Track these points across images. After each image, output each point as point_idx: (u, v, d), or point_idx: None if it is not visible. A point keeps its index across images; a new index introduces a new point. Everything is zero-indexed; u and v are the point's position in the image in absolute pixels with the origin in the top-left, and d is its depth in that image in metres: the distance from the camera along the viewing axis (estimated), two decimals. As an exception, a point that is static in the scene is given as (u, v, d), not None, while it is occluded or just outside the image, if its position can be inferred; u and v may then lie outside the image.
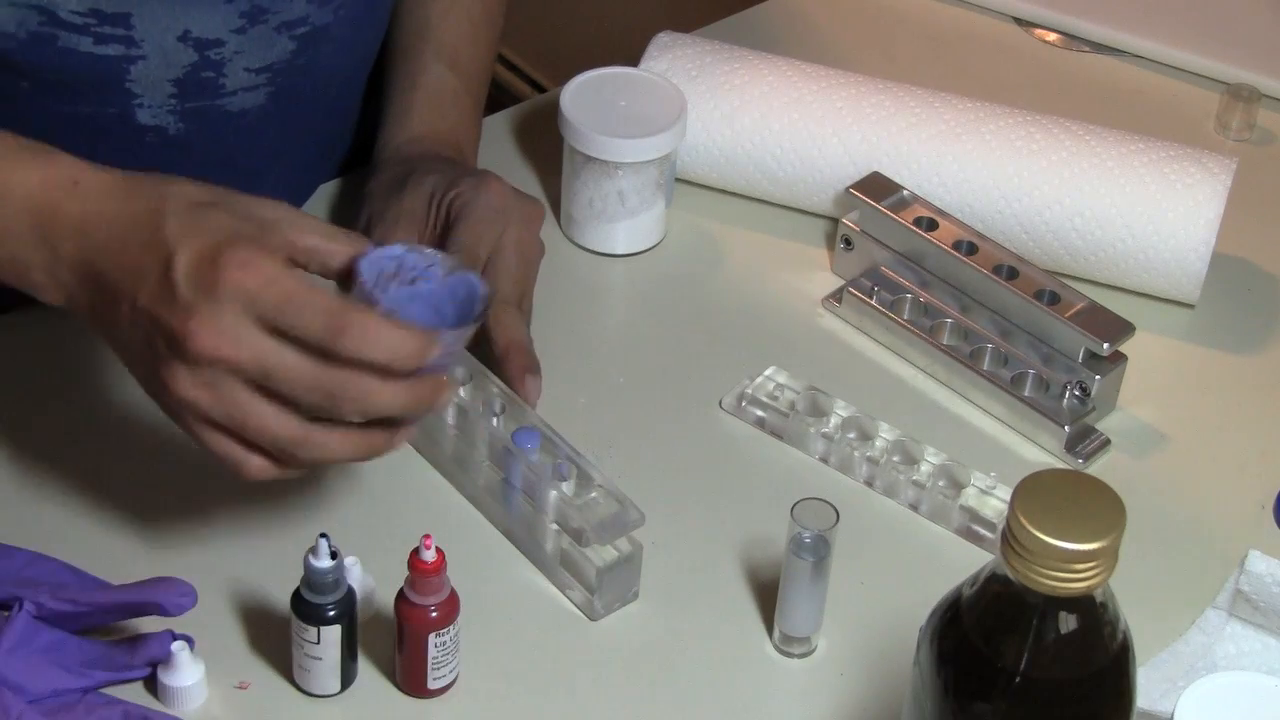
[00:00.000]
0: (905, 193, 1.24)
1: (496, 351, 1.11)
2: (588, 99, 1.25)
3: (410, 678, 1.00)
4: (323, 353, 0.92)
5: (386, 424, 0.96)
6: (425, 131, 1.22)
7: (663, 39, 1.33)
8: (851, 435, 1.14)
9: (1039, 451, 1.17)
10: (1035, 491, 0.79)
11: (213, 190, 0.96)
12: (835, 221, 1.28)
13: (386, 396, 0.93)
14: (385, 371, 0.92)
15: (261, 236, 0.94)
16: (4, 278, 0.98)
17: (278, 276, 0.92)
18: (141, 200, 0.96)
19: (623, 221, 1.26)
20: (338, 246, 0.97)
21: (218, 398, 0.93)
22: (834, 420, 1.15)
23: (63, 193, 0.96)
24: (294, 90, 1.18)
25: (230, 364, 0.92)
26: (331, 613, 0.97)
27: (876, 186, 1.24)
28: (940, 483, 1.12)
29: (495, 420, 1.08)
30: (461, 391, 1.09)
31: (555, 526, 1.05)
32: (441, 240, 1.14)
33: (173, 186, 0.96)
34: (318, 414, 0.94)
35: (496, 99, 1.37)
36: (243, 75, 1.14)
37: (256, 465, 0.96)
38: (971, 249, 1.21)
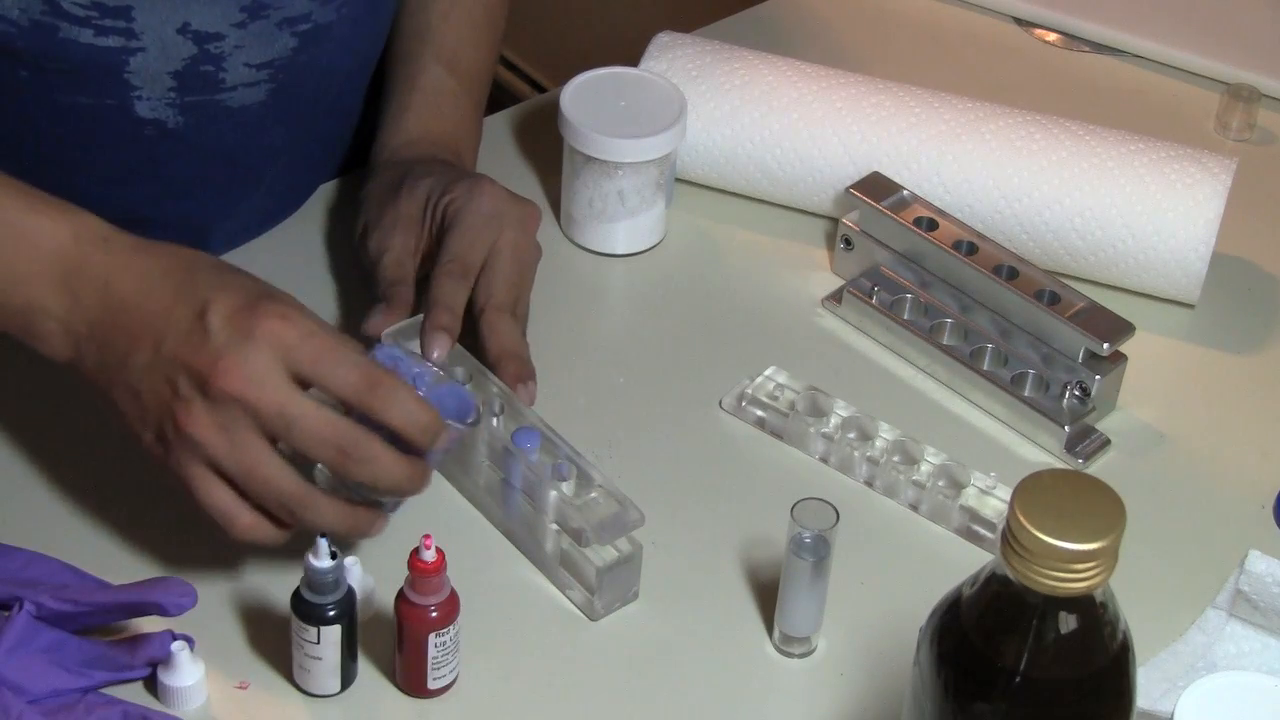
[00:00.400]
0: (905, 193, 1.24)
1: (489, 359, 1.11)
2: (588, 99, 1.25)
3: (410, 678, 1.00)
4: (347, 410, 0.95)
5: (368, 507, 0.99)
6: (421, 133, 1.22)
7: (663, 39, 1.33)
8: (851, 435, 1.14)
9: (1039, 451, 1.17)
10: (1035, 491, 0.79)
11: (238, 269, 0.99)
12: (835, 221, 1.28)
13: (389, 463, 0.96)
14: (398, 439, 0.96)
15: (285, 297, 0.97)
16: (9, 326, 0.99)
17: (315, 330, 0.95)
18: (170, 256, 0.98)
19: (623, 221, 1.26)
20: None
21: (230, 442, 0.94)
22: (834, 420, 1.15)
23: (93, 246, 0.98)
24: (295, 88, 1.18)
25: (253, 406, 0.94)
26: (331, 613, 0.97)
27: (876, 186, 1.24)
28: (940, 483, 1.12)
29: (495, 420, 1.08)
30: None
31: (555, 526, 1.05)
32: (437, 245, 1.14)
33: (199, 251, 0.99)
34: (329, 468, 0.96)
35: (496, 99, 1.37)
36: (243, 71, 1.14)
37: (246, 522, 0.97)
38: (971, 249, 1.21)
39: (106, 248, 0.98)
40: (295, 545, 1.05)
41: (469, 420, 1.00)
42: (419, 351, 1.06)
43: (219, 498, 0.96)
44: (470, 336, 1.12)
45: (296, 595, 0.97)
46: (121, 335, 0.97)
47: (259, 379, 0.94)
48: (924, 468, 1.12)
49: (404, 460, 0.97)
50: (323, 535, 0.96)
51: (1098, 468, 1.16)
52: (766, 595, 1.06)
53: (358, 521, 0.98)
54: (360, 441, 0.95)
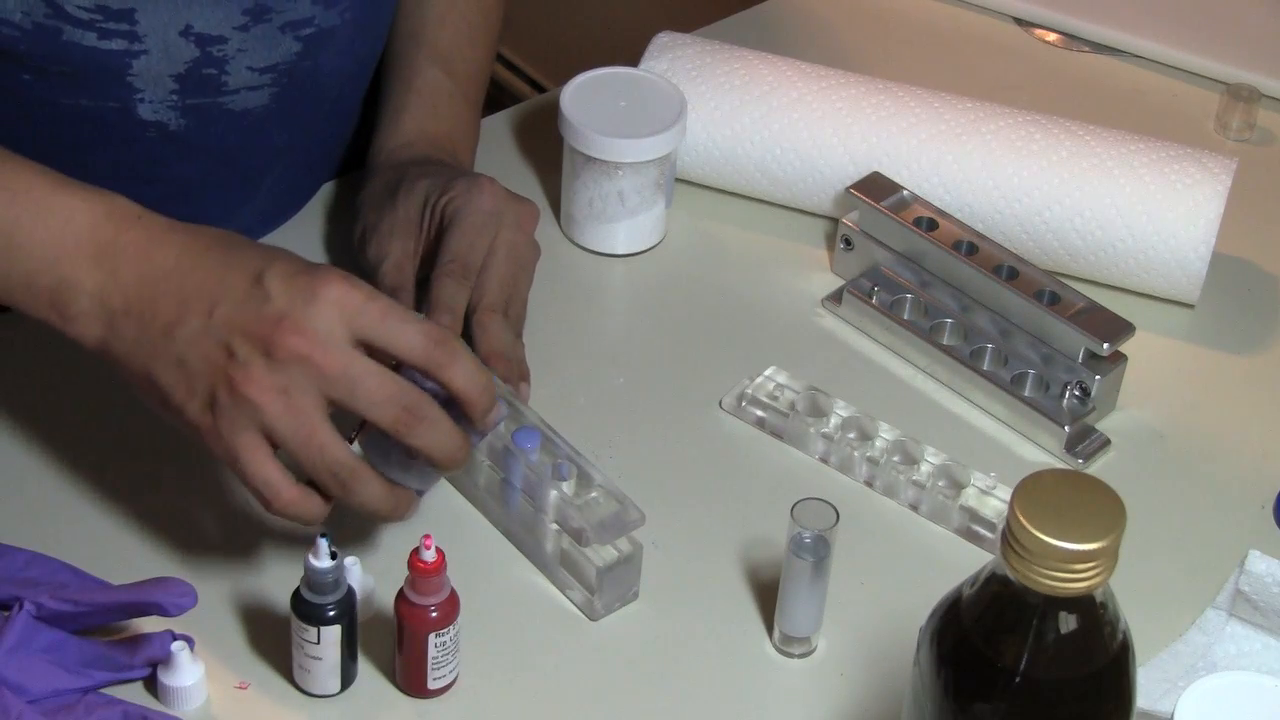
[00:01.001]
0: (905, 193, 1.24)
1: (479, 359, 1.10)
2: (588, 99, 1.25)
3: (410, 678, 1.00)
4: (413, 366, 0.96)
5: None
6: (418, 134, 1.22)
7: (663, 39, 1.33)
8: (851, 435, 1.14)
9: (1039, 451, 1.17)
10: (1035, 491, 0.79)
11: None
12: (835, 221, 1.28)
13: (448, 428, 0.96)
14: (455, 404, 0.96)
15: None
16: (37, 309, 0.98)
17: (376, 293, 0.95)
18: (208, 233, 0.98)
19: (623, 221, 1.26)
20: None
21: (289, 406, 0.94)
22: (834, 420, 1.15)
23: (126, 222, 0.97)
24: (298, 91, 1.18)
25: (317, 366, 0.93)
26: (331, 613, 0.97)
27: (876, 186, 1.24)
28: (940, 483, 1.12)
29: (495, 420, 1.08)
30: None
31: (555, 526, 1.05)
32: (436, 244, 1.14)
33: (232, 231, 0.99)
34: (392, 433, 0.95)
35: (496, 99, 1.37)
36: (246, 74, 1.14)
37: (291, 495, 0.96)
38: (971, 249, 1.21)
39: (141, 224, 0.97)
40: (295, 545, 1.05)
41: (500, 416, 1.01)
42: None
43: (267, 468, 0.95)
44: (468, 336, 1.12)
45: (296, 595, 0.97)
46: (166, 305, 0.95)
47: (324, 339, 0.93)
48: (924, 468, 1.12)
49: (458, 429, 0.97)
50: (366, 513, 0.96)
51: (1098, 468, 1.16)
52: (766, 595, 1.06)
53: (398, 502, 0.98)
54: (424, 402, 0.95)
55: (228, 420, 0.95)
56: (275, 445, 0.95)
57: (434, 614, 0.97)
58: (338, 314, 0.94)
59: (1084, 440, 1.17)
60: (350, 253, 1.20)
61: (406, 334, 0.95)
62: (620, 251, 1.28)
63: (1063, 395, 1.17)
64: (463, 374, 0.96)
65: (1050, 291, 1.18)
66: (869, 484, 1.13)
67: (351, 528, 1.07)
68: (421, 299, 1.12)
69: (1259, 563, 1.06)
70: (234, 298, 0.95)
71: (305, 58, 1.16)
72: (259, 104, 1.17)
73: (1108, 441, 1.17)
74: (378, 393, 0.94)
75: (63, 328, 0.98)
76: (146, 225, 0.97)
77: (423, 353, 0.95)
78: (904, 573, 1.09)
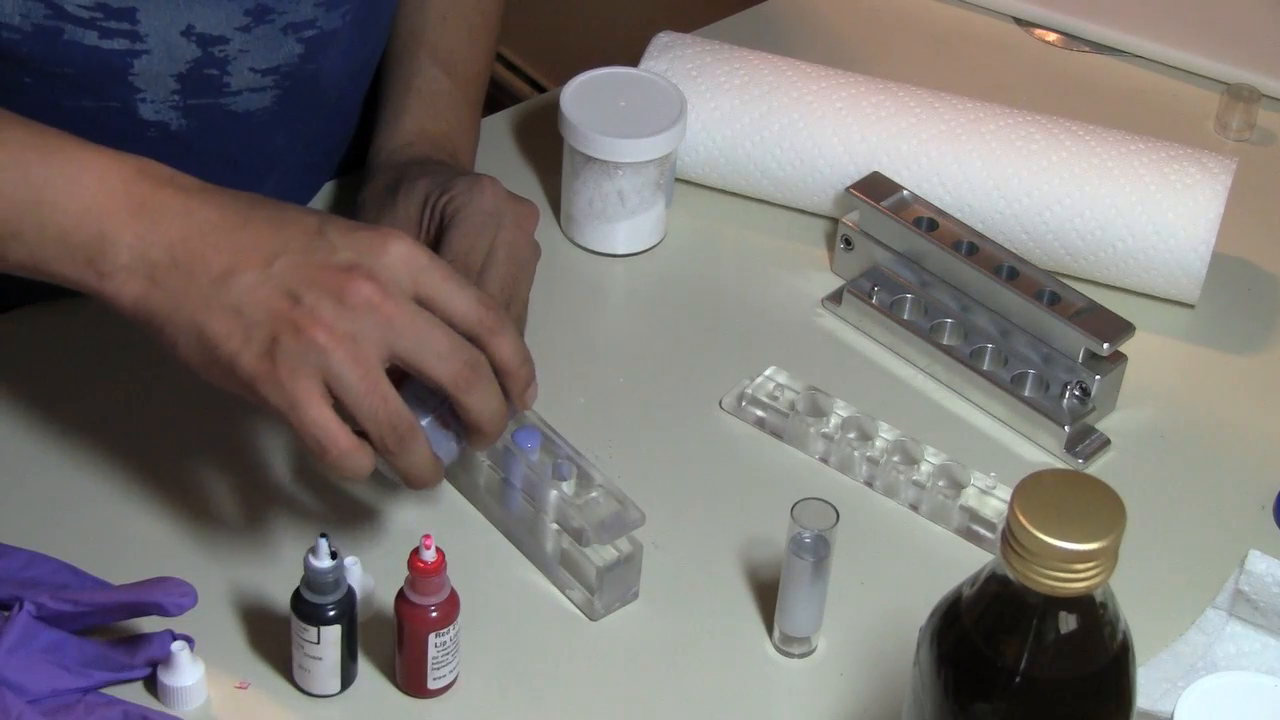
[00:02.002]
0: (905, 193, 1.24)
1: None
2: (588, 99, 1.25)
3: (410, 678, 1.00)
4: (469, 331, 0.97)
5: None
6: (418, 134, 1.22)
7: (663, 39, 1.33)
8: (851, 435, 1.14)
9: (1039, 451, 1.17)
10: (1035, 491, 0.79)
11: None
12: (835, 221, 1.28)
13: (498, 393, 0.98)
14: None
15: None
16: (73, 268, 0.96)
17: (436, 256, 0.97)
18: (246, 195, 0.97)
19: (623, 221, 1.26)
20: None
21: (356, 355, 0.93)
22: (834, 420, 1.15)
23: (159, 181, 0.96)
24: (301, 93, 1.18)
25: (388, 317, 0.93)
26: (331, 613, 0.97)
27: (876, 186, 1.24)
28: (940, 483, 1.12)
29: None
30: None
31: (555, 526, 1.05)
32: (436, 245, 1.14)
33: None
34: (452, 388, 0.96)
35: (496, 99, 1.37)
36: (248, 75, 1.14)
37: (346, 445, 0.94)
38: (971, 249, 1.21)
39: (175, 183, 0.96)
40: (295, 545, 1.05)
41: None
42: None
43: (325, 416, 0.94)
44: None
45: (296, 595, 0.97)
46: (218, 256, 0.94)
47: (394, 290, 0.94)
48: (924, 468, 1.12)
49: (500, 399, 0.98)
50: (407, 476, 0.96)
51: (1098, 468, 1.16)
52: (766, 595, 1.06)
53: (437, 467, 0.98)
54: (484, 363, 0.96)
55: (289, 366, 0.93)
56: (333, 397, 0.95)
57: (434, 614, 0.97)
58: (405, 269, 0.95)
59: (1084, 440, 1.17)
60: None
61: (464, 297, 0.96)
62: (620, 251, 1.28)
63: (1063, 395, 1.17)
64: (510, 344, 0.98)
65: (1050, 291, 1.18)
66: (869, 484, 1.13)
67: (352, 528, 1.07)
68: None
69: (1259, 563, 1.06)
70: (296, 248, 0.94)
71: (307, 60, 1.16)
72: (261, 106, 1.17)
73: (1108, 441, 1.17)
74: (445, 345, 0.95)
75: (98, 287, 0.96)
76: (181, 183, 0.97)
77: (476, 318, 0.96)
78: (904, 573, 1.09)
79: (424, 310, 0.95)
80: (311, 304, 0.93)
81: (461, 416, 0.98)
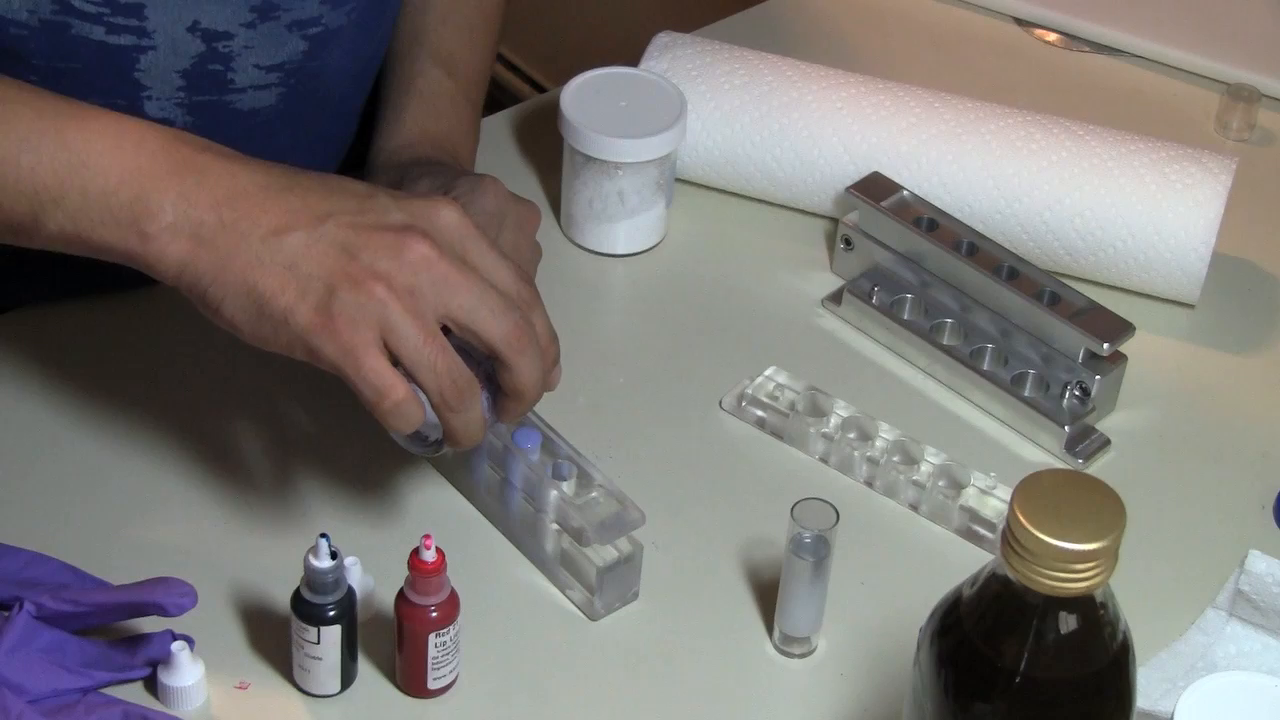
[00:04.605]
0: (905, 193, 1.24)
1: None
2: (588, 99, 1.25)
3: (410, 678, 1.00)
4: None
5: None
6: (419, 134, 1.22)
7: (663, 39, 1.33)
8: (851, 435, 1.14)
9: (1039, 451, 1.17)
10: (1035, 491, 0.79)
11: None
12: (835, 221, 1.28)
13: (540, 358, 0.98)
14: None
15: None
16: (115, 232, 0.95)
17: (480, 227, 0.98)
18: (284, 165, 0.98)
19: (623, 221, 1.26)
20: None
21: (415, 309, 0.94)
22: (834, 420, 1.15)
23: (199, 146, 0.97)
24: (304, 92, 1.18)
25: (444, 275, 0.95)
26: (331, 613, 0.97)
27: (876, 186, 1.24)
28: (940, 483, 1.12)
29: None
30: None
31: (555, 526, 1.05)
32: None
33: None
34: (504, 346, 0.96)
35: (496, 99, 1.37)
36: (253, 72, 1.14)
37: (403, 394, 0.95)
38: (971, 249, 1.21)
39: (213, 150, 0.97)
40: (295, 545, 1.05)
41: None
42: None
43: (383, 364, 0.94)
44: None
45: (296, 595, 0.97)
46: (269, 215, 0.95)
47: (451, 248, 0.96)
48: (924, 468, 1.12)
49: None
50: (458, 433, 0.97)
51: (1098, 468, 1.16)
52: (766, 595, 1.06)
53: (483, 427, 0.99)
54: (532, 326, 0.97)
55: (347, 318, 0.94)
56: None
57: (434, 614, 0.97)
58: (456, 233, 0.96)
59: (1084, 440, 1.17)
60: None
61: (507, 268, 0.98)
62: (620, 251, 1.28)
63: (1063, 395, 1.17)
64: (544, 320, 1.00)
65: (1050, 291, 1.18)
66: (869, 484, 1.14)
67: (352, 528, 1.07)
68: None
69: (1259, 563, 1.06)
70: (349, 209, 0.95)
71: (311, 57, 1.16)
72: (266, 104, 1.17)
73: (1108, 441, 1.17)
74: (499, 304, 0.96)
75: (142, 250, 0.95)
76: (220, 150, 0.97)
77: (516, 290, 0.98)
78: (904, 573, 1.09)
79: (476, 271, 0.96)
80: (369, 260, 0.94)
81: (505, 382, 0.98)
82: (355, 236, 0.95)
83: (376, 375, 0.94)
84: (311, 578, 0.96)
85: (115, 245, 0.96)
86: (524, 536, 1.08)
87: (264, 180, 0.96)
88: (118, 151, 0.95)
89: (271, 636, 1.02)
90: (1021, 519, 0.78)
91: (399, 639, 0.99)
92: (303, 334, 0.94)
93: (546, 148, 1.33)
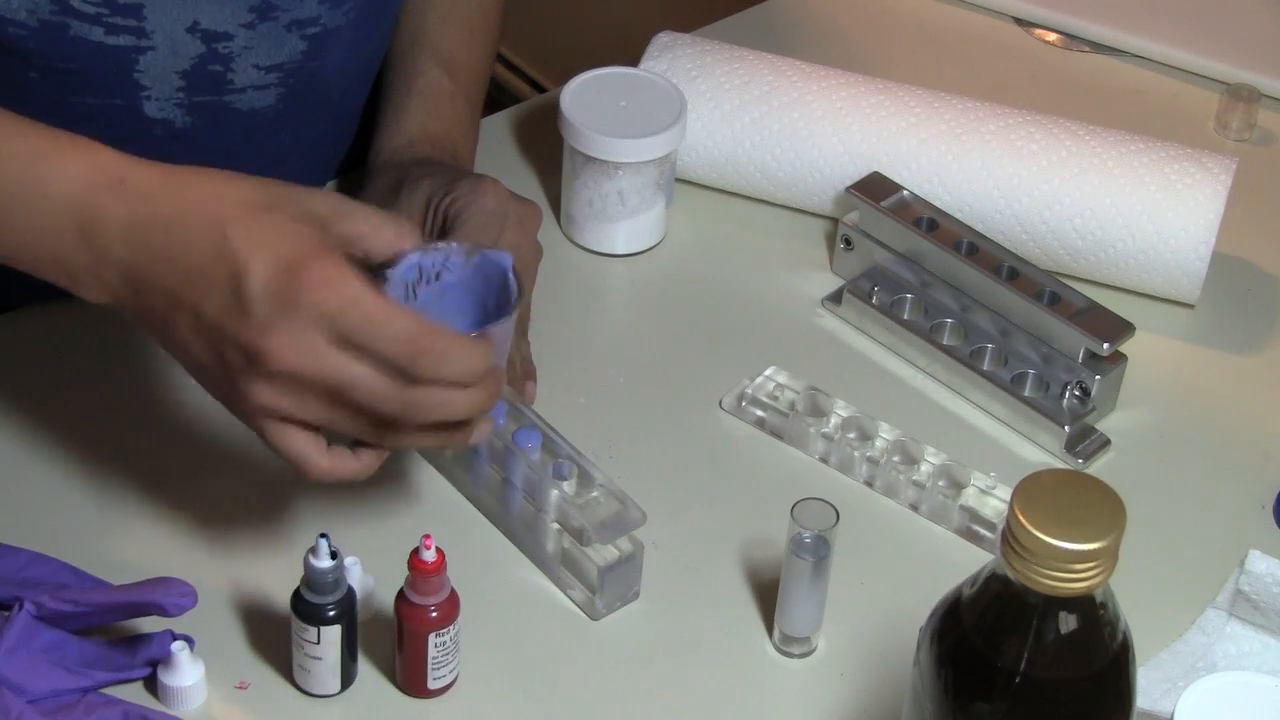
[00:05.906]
0: (905, 193, 1.24)
1: None
2: (588, 99, 1.25)
3: (410, 678, 1.00)
4: (400, 372, 0.93)
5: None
6: (419, 134, 1.22)
7: (663, 39, 1.33)
8: (851, 435, 1.14)
9: (1039, 451, 1.17)
10: (1035, 491, 0.79)
11: (265, 188, 0.95)
12: (835, 221, 1.28)
13: (462, 404, 0.95)
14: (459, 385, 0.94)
15: (324, 238, 0.94)
16: (45, 275, 0.96)
17: (358, 296, 0.92)
18: (196, 203, 0.94)
19: (623, 221, 1.26)
20: (380, 240, 0.98)
21: (296, 403, 0.94)
22: (834, 420, 1.15)
23: (109, 192, 0.94)
24: (304, 92, 1.18)
25: (309, 378, 0.92)
26: (331, 613, 0.97)
27: (876, 186, 1.24)
28: (940, 483, 1.12)
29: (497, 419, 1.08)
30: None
31: (556, 526, 1.05)
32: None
33: (228, 188, 0.95)
34: (397, 419, 0.94)
35: (496, 99, 1.37)
36: (252, 73, 1.14)
37: (324, 465, 0.95)
38: (971, 249, 1.21)
39: (121, 193, 0.94)
40: (295, 545, 1.05)
41: (513, 306, 0.99)
42: (438, 245, 1.02)
43: (294, 443, 0.95)
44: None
45: (296, 595, 0.97)
46: (157, 296, 0.94)
47: (309, 350, 0.92)
48: (924, 468, 1.12)
49: (473, 391, 0.94)
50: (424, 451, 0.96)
51: (1098, 468, 1.16)
52: (766, 595, 1.06)
53: (452, 438, 0.97)
54: (423, 396, 0.93)
55: (239, 412, 0.95)
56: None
57: (434, 614, 0.97)
58: (319, 323, 0.92)
59: (1084, 440, 1.17)
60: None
61: (382, 341, 0.92)
62: (620, 251, 1.28)
63: (1063, 395, 1.17)
64: (451, 371, 0.94)
65: (1050, 291, 1.18)
66: (869, 484, 1.13)
67: (352, 528, 1.07)
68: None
69: (1259, 563, 1.06)
70: (215, 303, 0.92)
71: (311, 57, 1.16)
72: (265, 104, 1.17)
73: (1108, 441, 1.17)
74: (372, 393, 0.93)
75: (73, 292, 0.96)
76: (129, 194, 0.94)
77: (408, 362, 0.92)
78: (904, 573, 1.09)
79: (346, 359, 0.92)
80: (239, 369, 0.93)
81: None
82: (224, 340, 0.93)
83: (291, 455, 0.95)
84: (311, 578, 0.96)
85: (55, 284, 0.96)
86: (524, 536, 1.08)
87: (160, 241, 0.93)
88: (27, 207, 0.94)
89: (271, 636, 1.02)
90: (1021, 519, 0.78)
91: (399, 639, 0.99)
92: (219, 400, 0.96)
93: (546, 148, 1.33)
